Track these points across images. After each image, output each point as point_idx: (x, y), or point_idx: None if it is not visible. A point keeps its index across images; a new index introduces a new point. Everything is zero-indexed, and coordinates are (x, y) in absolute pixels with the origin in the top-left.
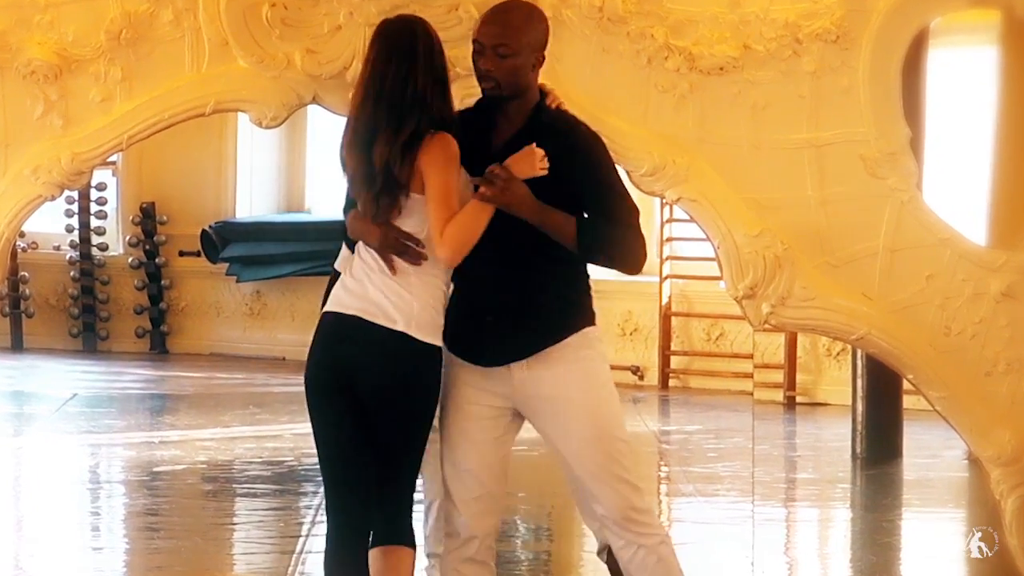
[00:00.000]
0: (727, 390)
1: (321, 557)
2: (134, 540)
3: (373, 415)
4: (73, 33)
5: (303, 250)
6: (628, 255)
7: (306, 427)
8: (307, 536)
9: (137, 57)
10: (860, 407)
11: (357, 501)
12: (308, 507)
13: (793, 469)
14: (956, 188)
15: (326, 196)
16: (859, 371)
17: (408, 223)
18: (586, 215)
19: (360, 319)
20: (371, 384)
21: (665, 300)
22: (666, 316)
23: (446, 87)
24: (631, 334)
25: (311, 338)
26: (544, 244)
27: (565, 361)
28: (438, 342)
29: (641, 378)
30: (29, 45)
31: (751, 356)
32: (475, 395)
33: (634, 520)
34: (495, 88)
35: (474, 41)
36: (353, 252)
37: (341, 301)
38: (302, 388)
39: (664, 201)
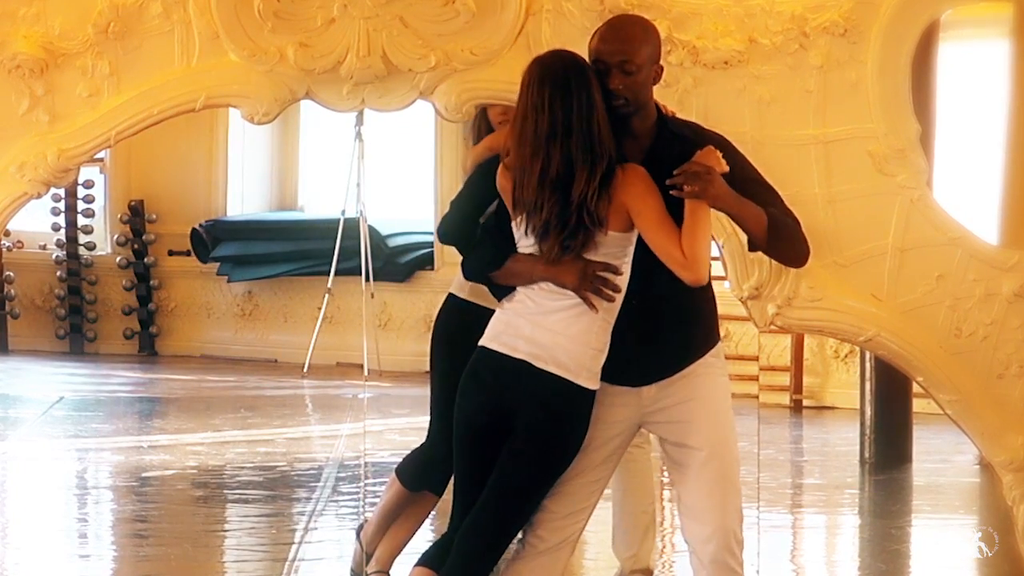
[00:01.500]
0: (732, 393)
1: (313, 565)
2: (122, 547)
3: (516, 451)
4: (59, 26)
5: (296, 249)
6: (803, 248)
7: (298, 431)
8: (299, 543)
9: (125, 51)
10: (868, 411)
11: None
12: (301, 513)
13: (800, 474)
14: (967, 185)
15: (319, 194)
16: (867, 374)
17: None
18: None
19: (529, 365)
20: (529, 424)
21: None
22: None
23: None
24: None
25: (301, 339)
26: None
27: (695, 374)
28: (591, 385)
29: None
30: (14, 39)
31: (757, 358)
32: (606, 421)
33: (733, 552)
34: (625, 105)
35: (595, 62)
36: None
37: (507, 342)
38: (294, 391)
39: None
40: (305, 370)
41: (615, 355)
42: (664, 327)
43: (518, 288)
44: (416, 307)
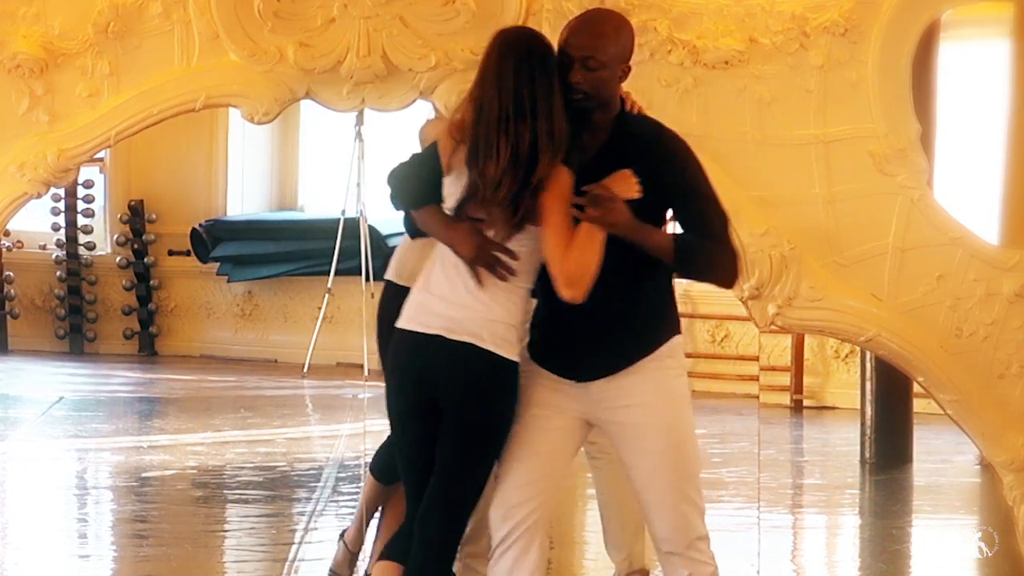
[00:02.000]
0: (732, 393)
1: (313, 565)
2: (122, 547)
3: (449, 430)
4: (59, 26)
5: (296, 249)
6: (723, 271)
7: (298, 431)
8: (300, 543)
9: (125, 51)
10: (869, 411)
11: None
12: (301, 513)
13: (800, 474)
14: (967, 185)
15: (319, 194)
16: (868, 374)
17: (517, 248)
18: (680, 226)
19: (443, 338)
20: (454, 399)
21: None
22: None
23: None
24: None
25: (301, 339)
26: (635, 257)
27: (645, 371)
28: (512, 356)
29: None
30: (14, 38)
31: (757, 358)
32: (547, 404)
33: (697, 548)
34: (583, 100)
35: (561, 52)
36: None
37: (421, 320)
38: (294, 391)
39: None
40: (305, 370)
41: (564, 350)
42: (611, 324)
43: (437, 267)
44: None
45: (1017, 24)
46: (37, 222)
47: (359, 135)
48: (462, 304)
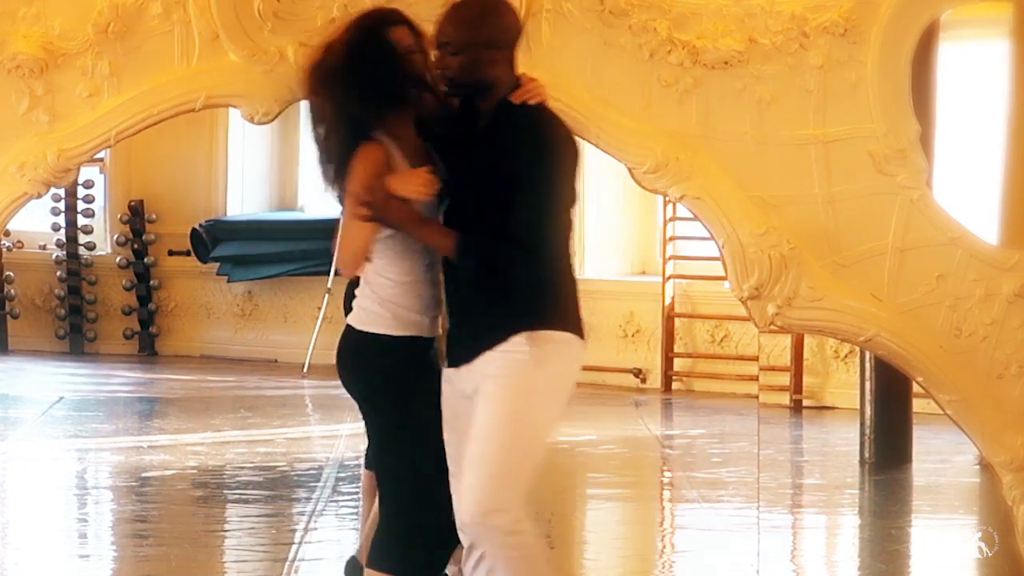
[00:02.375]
0: (732, 393)
1: (313, 565)
2: (122, 547)
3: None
4: (60, 26)
5: (296, 249)
6: (500, 273)
7: (298, 431)
8: (300, 543)
9: (125, 51)
10: (868, 411)
11: None
12: (301, 513)
13: (800, 474)
14: (967, 185)
15: (319, 194)
16: (867, 374)
17: None
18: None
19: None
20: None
21: (668, 301)
22: (669, 317)
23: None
24: (633, 336)
25: (301, 339)
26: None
27: (496, 358)
28: (377, 330)
29: (643, 381)
30: (14, 38)
31: (756, 358)
32: (451, 404)
33: (491, 540)
34: (451, 85)
35: (433, 39)
36: None
37: None
38: (294, 391)
39: (667, 199)
40: (305, 370)
41: (449, 334)
42: (470, 310)
43: None
44: None
45: (1016, 24)
46: (37, 222)
47: None
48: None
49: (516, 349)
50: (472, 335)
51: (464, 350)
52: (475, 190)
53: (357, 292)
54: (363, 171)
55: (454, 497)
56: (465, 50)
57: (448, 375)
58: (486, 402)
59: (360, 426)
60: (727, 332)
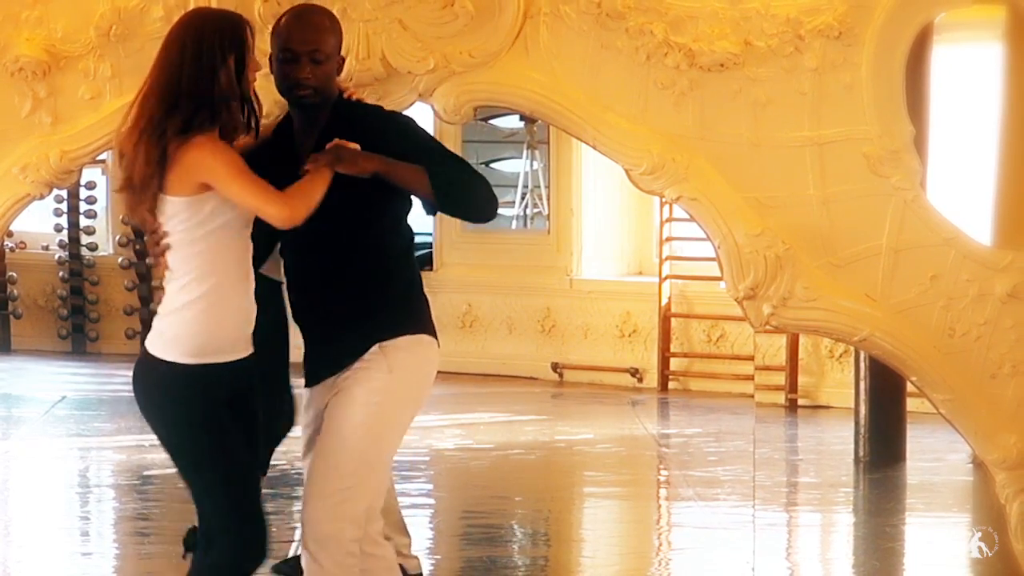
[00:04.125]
0: (728, 392)
1: None
2: (124, 545)
3: None
4: (62, 29)
5: None
6: (483, 200)
7: (297, 430)
8: (299, 540)
9: (127, 53)
10: (863, 410)
11: None
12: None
13: (795, 473)
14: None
15: None
16: (862, 373)
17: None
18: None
19: None
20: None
21: (664, 301)
22: (665, 317)
23: (214, 86)
24: (630, 335)
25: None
26: (353, 256)
27: (351, 375)
28: (170, 357)
29: (640, 380)
30: (17, 41)
31: (752, 358)
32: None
33: (321, 545)
34: (313, 95)
35: (285, 49)
36: None
37: None
38: (298, 391)
39: (663, 200)
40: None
41: (309, 348)
42: (326, 326)
43: None
44: None
45: (1009, 27)
46: (40, 223)
47: None
48: None
49: (372, 360)
50: (330, 352)
51: (323, 367)
52: (357, 191)
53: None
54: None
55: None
56: (331, 57)
57: (306, 394)
58: (339, 413)
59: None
60: (723, 332)
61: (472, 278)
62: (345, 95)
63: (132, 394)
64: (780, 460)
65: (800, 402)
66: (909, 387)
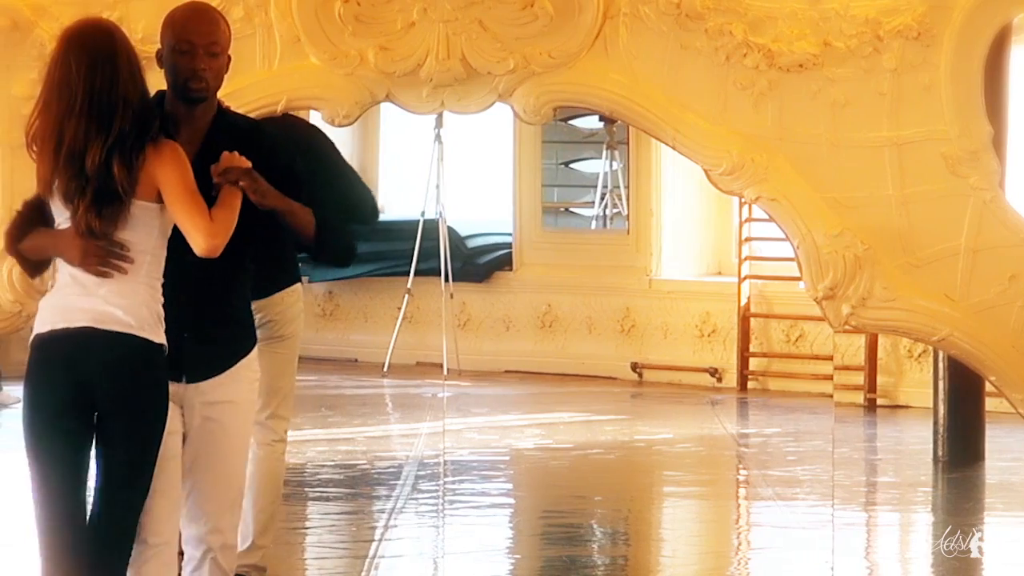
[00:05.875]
0: (807, 392)
1: (393, 562)
2: None
3: (109, 431)
4: (143, 30)
5: (376, 250)
6: (350, 251)
7: (378, 430)
8: (380, 541)
9: None
10: (942, 409)
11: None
12: (381, 511)
13: (874, 472)
14: None
15: (399, 196)
16: (940, 373)
17: (132, 233)
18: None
19: (94, 328)
20: (110, 392)
21: (744, 301)
22: (745, 317)
23: (146, 90)
24: (709, 335)
25: (382, 339)
26: (221, 261)
27: (238, 378)
28: (163, 340)
29: (719, 380)
30: None
31: (831, 358)
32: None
33: (225, 554)
34: (206, 89)
35: (182, 41)
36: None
37: (64, 316)
38: (375, 390)
39: (743, 200)
40: (385, 369)
41: (175, 348)
42: (215, 319)
43: (63, 273)
44: (495, 307)
45: None
46: None
47: (438, 137)
48: (102, 298)
49: (250, 368)
50: (212, 351)
51: (204, 367)
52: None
53: (128, 295)
54: (186, 161)
55: (196, 519)
56: (225, 51)
57: (180, 391)
58: (228, 424)
59: (439, 425)
60: (802, 332)
61: (552, 278)
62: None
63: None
64: (859, 460)
65: (879, 402)
66: (988, 387)
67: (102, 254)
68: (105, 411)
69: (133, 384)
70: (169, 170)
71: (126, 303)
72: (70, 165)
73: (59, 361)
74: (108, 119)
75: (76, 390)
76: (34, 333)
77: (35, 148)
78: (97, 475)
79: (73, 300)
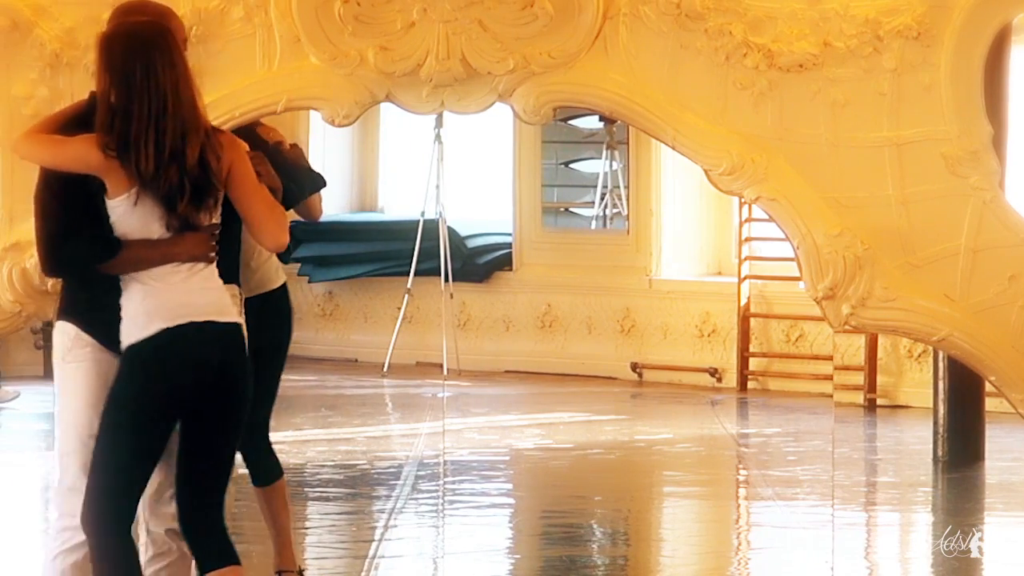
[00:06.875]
0: (806, 392)
1: (393, 562)
2: None
3: (219, 411)
4: None
5: (376, 250)
6: (316, 175)
7: (378, 430)
8: (380, 541)
9: (208, 54)
10: (941, 409)
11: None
12: (381, 511)
13: (874, 472)
14: None
15: (399, 196)
16: (940, 373)
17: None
18: None
19: (213, 322)
20: (236, 377)
21: (744, 301)
22: (745, 317)
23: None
24: (709, 335)
25: (381, 339)
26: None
27: None
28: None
29: (719, 380)
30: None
31: (831, 358)
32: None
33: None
34: None
35: None
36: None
37: (177, 312)
38: (375, 390)
39: (743, 200)
40: (385, 369)
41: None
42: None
43: (129, 280)
44: (495, 307)
45: None
46: None
47: (438, 137)
48: (196, 290)
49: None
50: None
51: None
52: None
53: (216, 285)
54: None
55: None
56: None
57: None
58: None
59: (439, 425)
60: (802, 332)
61: (551, 278)
62: None
63: None
64: (859, 460)
65: (879, 402)
66: (988, 387)
67: (213, 245)
68: (219, 399)
69: (247, 369)
70: (241, 161)
71: (216, 290)
72: (173, 163)
73: (195, 357)
74: (195, 115)
75: (194, 383)
76: (148, 324)
77: (115, 151)
78: (189, 452)
79: (171, 298)
